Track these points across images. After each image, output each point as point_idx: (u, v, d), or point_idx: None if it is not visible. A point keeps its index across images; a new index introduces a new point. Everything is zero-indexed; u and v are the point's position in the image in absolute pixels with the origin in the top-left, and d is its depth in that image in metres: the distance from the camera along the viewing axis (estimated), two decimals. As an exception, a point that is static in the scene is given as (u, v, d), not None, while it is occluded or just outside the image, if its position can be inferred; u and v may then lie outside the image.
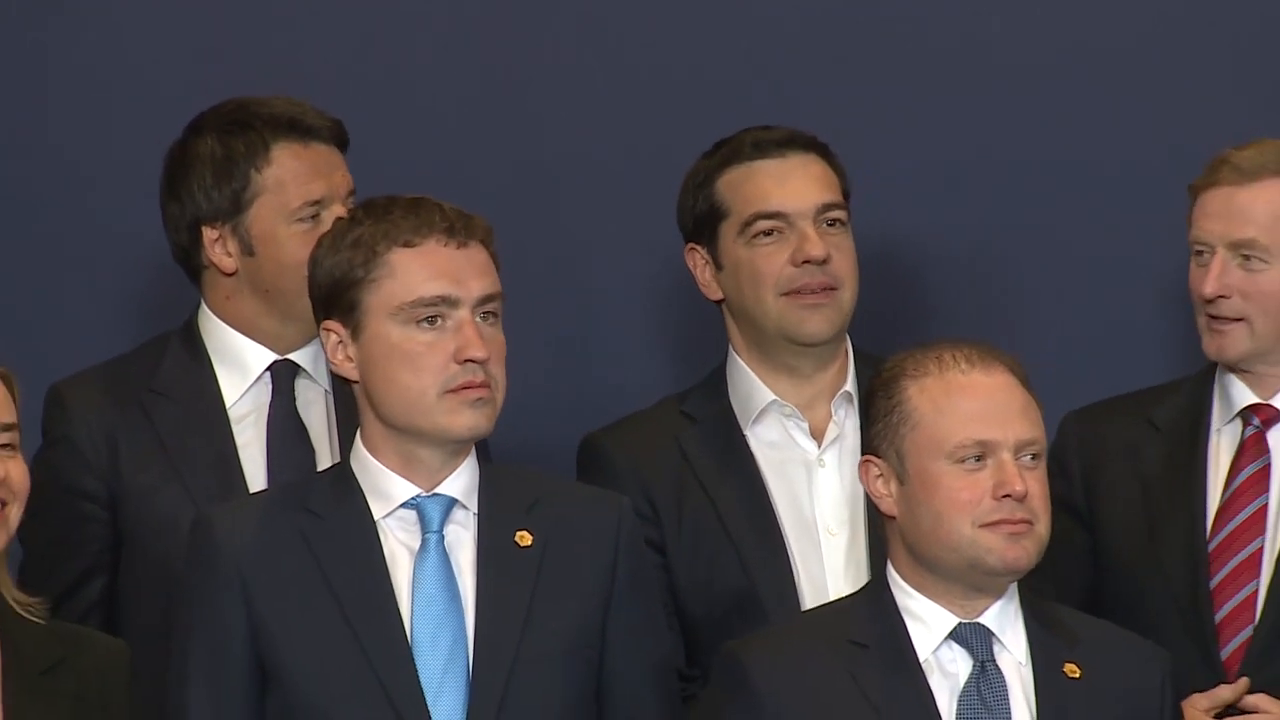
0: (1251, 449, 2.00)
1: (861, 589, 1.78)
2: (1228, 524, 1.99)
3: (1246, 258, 1.98)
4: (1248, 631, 1.95)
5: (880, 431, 1.63)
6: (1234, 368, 2.01)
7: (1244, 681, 1.89)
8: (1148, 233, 2.29)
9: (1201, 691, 1.92)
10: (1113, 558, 2.06)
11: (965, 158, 2.46)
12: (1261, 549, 1.97)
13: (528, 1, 2.57)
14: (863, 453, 1.68)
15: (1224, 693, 1.91)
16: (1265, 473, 1.99)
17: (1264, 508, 1.97)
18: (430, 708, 1.59)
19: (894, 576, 1.66)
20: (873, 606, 1.67)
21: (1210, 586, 1.98)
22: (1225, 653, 1.95)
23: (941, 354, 1.64)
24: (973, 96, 2.47)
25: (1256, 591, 1.98)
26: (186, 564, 1.69)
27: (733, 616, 1.93)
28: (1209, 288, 1.96)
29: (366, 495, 1.65)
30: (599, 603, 1.68)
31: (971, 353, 1.64)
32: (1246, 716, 1.94)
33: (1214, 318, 1.98)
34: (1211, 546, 2.00)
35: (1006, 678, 1.62)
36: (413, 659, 1.61)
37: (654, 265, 2.29)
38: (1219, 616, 1.97)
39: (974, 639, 1.62)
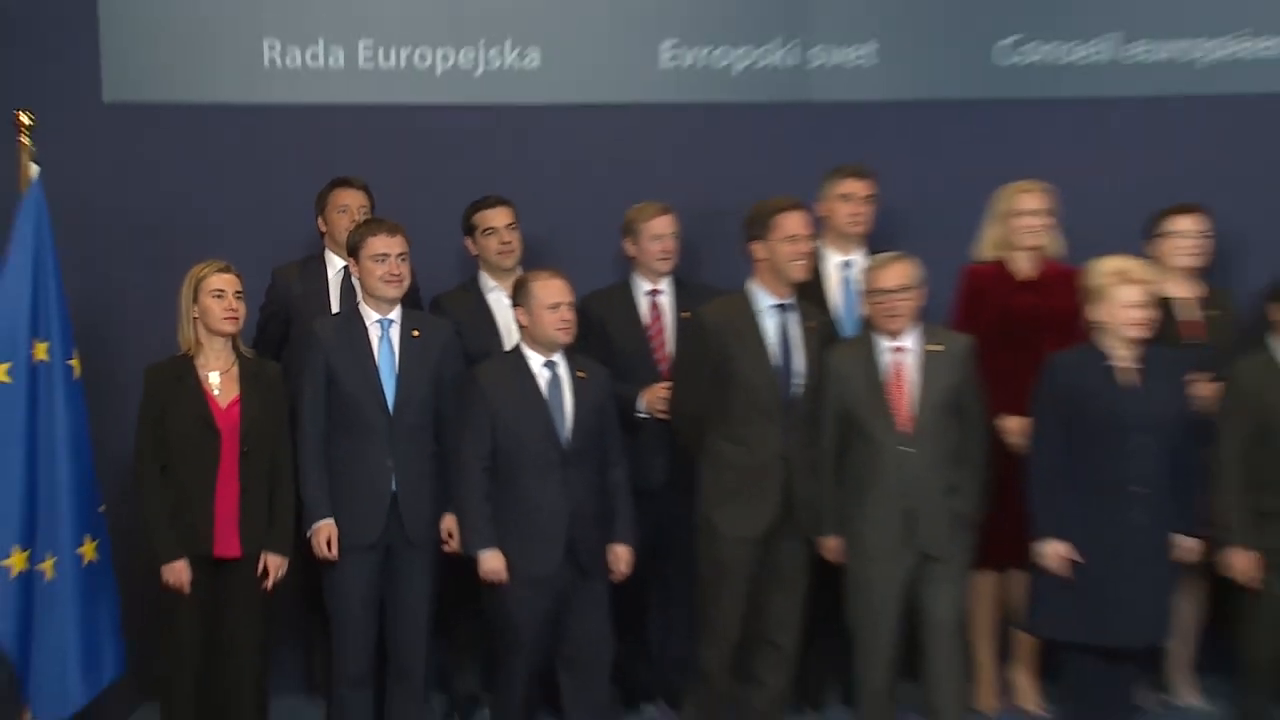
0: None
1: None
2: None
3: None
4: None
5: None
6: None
7: None
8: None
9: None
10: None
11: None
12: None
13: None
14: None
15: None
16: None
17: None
18: (385, 397, 3.59)
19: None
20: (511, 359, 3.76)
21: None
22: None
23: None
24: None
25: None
26: (303, 342, 3.80)
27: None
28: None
29: (364, 317, 3.64)
30: (442, 357, 3.68)
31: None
32: None
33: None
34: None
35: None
36: (379, 381, 3.61)
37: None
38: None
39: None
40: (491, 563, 3.54)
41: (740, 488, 3.62)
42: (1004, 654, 4.10)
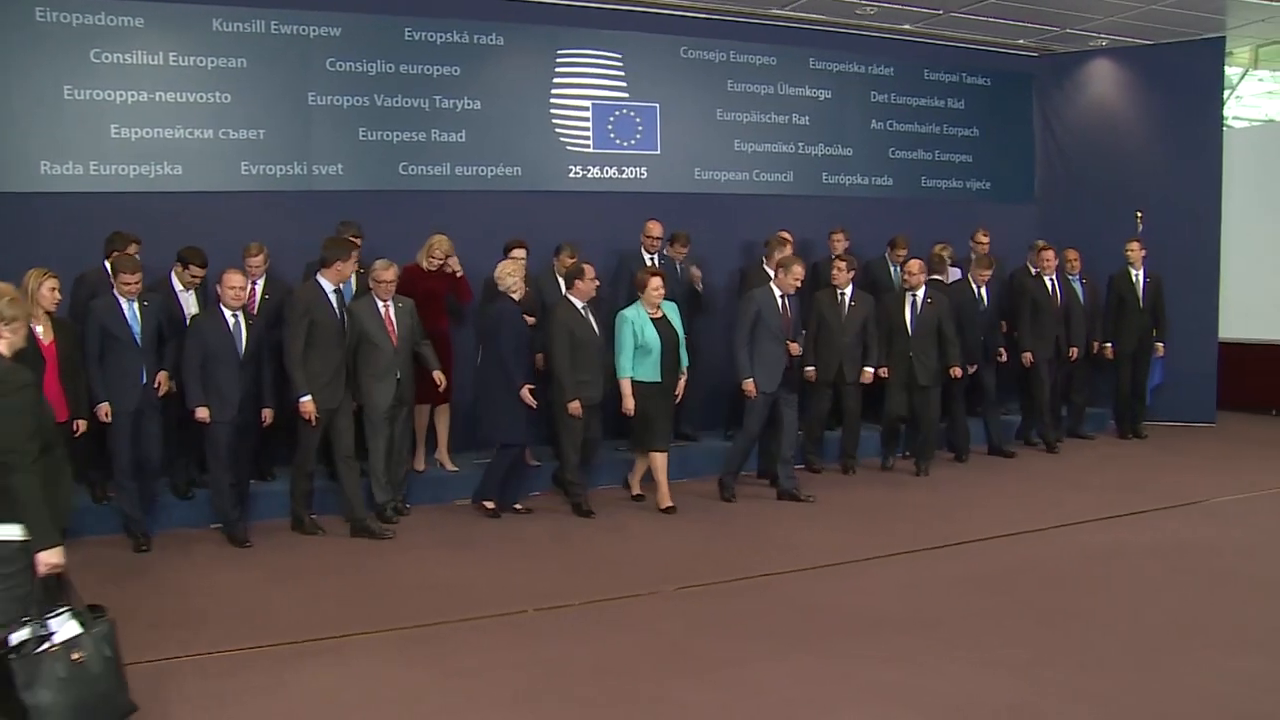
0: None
1: None
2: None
3: None
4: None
5: None
6: None
7: None
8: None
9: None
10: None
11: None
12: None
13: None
14: None
15: None
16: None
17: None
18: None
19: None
20: None
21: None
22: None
23: None
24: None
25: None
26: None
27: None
28: None
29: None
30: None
31: None
32: None
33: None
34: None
35: None
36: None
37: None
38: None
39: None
40: (200, 413, 7.04)
41: (328, 378, 7.25)
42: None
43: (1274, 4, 10.59)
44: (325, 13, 9.11)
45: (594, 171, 10.20)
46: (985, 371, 9.96)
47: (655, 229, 9.33)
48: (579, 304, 7.94)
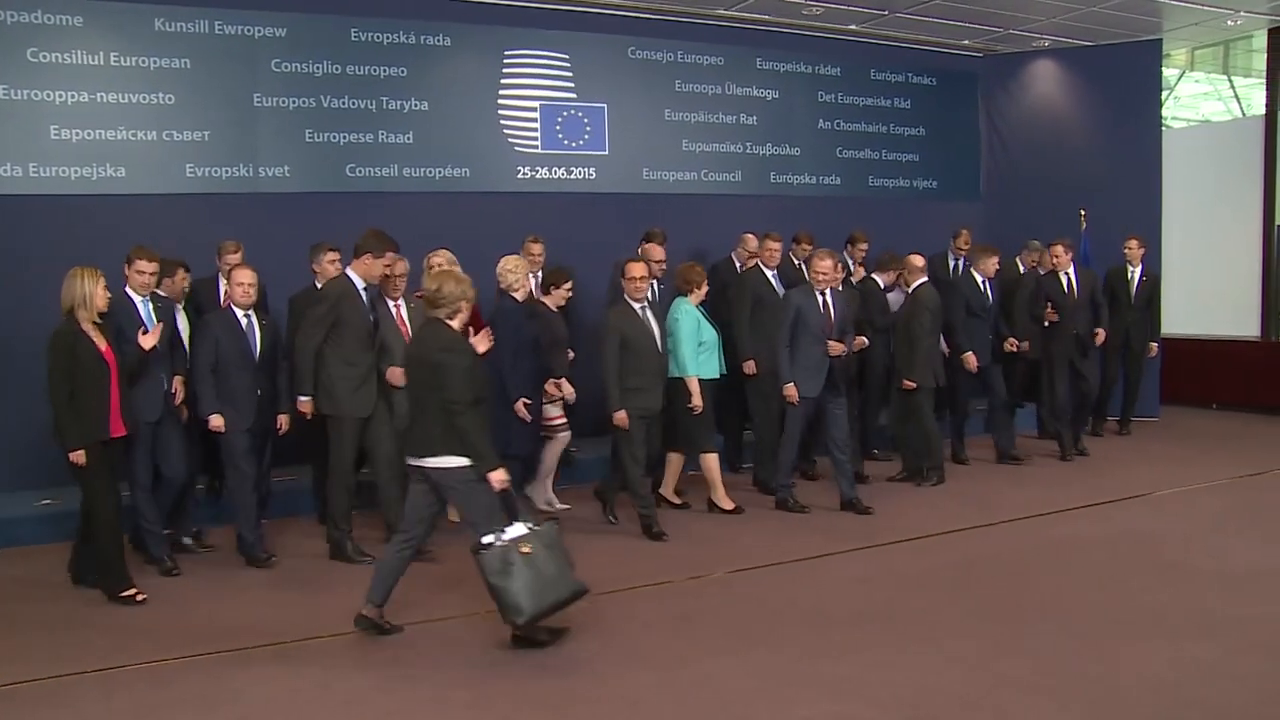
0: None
1: None
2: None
3: None
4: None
5: None
6: None
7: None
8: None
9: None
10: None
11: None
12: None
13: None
14: None
15: None
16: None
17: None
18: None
19: None
20: None
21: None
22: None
23: None
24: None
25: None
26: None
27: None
28: None
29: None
30: None
31: None
32: None
33: None
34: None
35: None
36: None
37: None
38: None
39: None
40: (215, 420, 6.56)
41: (358, 383, 6.68)
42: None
43: (1207, 9, 10.81)
44: (270, 13, 9.02)
45: (542, 172, 10.19)
46: (992, 371, 9.56)
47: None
48: (635, 306, 7.48)
